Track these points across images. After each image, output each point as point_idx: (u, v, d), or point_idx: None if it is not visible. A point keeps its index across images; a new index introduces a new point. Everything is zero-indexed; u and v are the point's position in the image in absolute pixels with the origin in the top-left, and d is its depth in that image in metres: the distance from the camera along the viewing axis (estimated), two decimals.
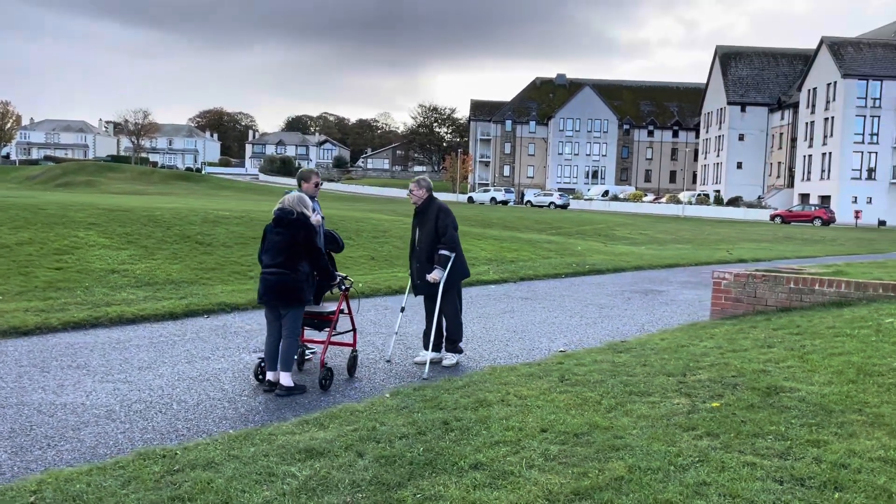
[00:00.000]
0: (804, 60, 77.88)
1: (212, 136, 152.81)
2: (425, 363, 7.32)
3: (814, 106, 67.62)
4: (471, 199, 72.59)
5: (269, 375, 6.34)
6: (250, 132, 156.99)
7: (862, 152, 63.20)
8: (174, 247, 12.79)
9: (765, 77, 79.89)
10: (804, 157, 68.79)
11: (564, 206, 65.34)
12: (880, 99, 63.17)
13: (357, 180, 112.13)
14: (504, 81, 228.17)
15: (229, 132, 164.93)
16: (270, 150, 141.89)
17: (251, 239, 14.18)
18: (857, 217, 55.52)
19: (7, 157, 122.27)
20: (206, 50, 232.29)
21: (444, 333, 7.23)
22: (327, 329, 6.77)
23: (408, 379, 6.80)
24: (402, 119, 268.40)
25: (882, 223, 58.55)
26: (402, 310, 7.67)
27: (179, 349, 7.75)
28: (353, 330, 6.97)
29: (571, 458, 4.24)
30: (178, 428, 5.33)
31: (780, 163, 76.40)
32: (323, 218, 7.58)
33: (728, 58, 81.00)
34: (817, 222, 52.86)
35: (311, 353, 7.58)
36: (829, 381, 5.07)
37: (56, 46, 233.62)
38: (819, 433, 4.23)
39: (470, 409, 5.26)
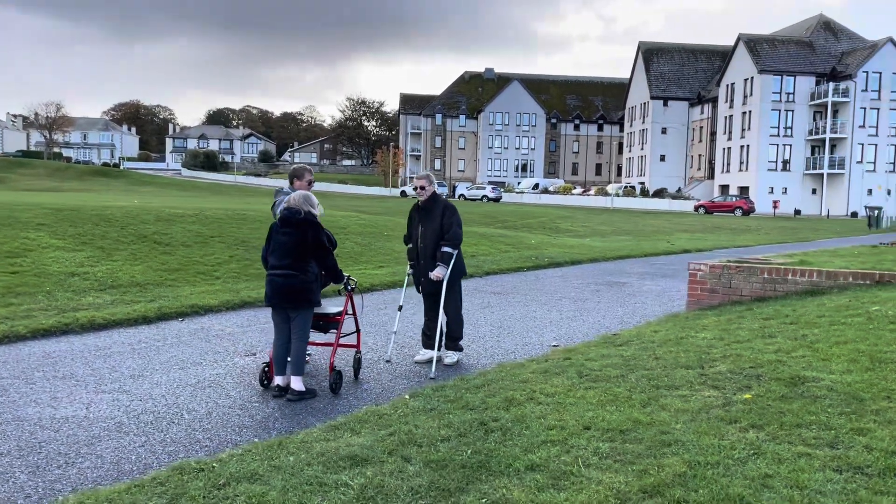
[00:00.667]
0: (722, 57, 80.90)
1: (129, 129, 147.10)
2: (426, 362, 7.26)
3: (732, 100, 70.34)
4: (403, 194, 72.41)
5: (279, 380, 6.15)
6: (170, 126, 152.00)
7: (777, 145, 66.17)
8: (132, 247, 12.24)
9: (685, 72, 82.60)
10: (723, 149, 71.51)
11: (497, 200, 65.96)
12: (794, 94, 66.25)
13: (285, 174, 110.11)
14: (433, 75, 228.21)
15: (147, 126, 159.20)
16: (192, 144, 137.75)
17: (210, 238, 13.75)
18: (775, 207, 58.15)
19: None
20: (119, 40, 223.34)
21: (445, 331, 7.17)
22: (333, 331, 6.62)
23: (415, 379, 6.72)
24: (328, 112, 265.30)
25: (797, 212, 61.55)
26: (400, 308, 7.58)
27: (166, 355, 7.43)
28: (357, 331, 6.84)
29: (625, 455, 4.27)
30: (198, 439, 5.12)
31: (700, 155, 79.22)
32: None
33: (650, 53, 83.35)
34: (738, 212, 55.07)
35: (308, 354, 7.39)
36: (846, 369, 5.28)
37: None
38: (859, 421, 4.39)
39: (502, 409, 5.23)
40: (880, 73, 64.18)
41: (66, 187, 64.94)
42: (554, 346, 8.08)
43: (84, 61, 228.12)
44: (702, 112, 78.80)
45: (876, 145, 64.55)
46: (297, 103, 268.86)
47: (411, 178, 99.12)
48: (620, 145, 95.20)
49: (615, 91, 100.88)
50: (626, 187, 73.81)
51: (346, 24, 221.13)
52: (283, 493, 4.00)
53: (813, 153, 66.40)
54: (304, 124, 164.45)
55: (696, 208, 57.54)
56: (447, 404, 5.47)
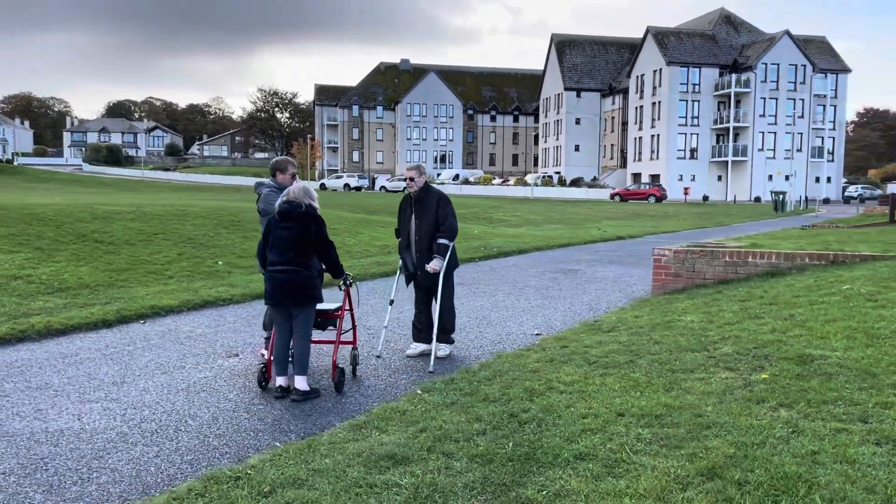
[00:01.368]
0: (631, 49, 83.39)
1: (22, 123, 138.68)
2: (418, 356, 7.17)
3: (642, 91, 72.66)
4: (323, 186, 71.39)
5: (281, 381, 5.93)
6: (67, 119, 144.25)
7: (686, 134, 68.84)
8: (73, 247, 11.52)
9: (596, 64, 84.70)
10: (635, 139, 73.84)
11: None
12: (699, 84, 69.02)
13: (196, 169, 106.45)
14: (347, 66, 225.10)
15: (41, 119, 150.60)
16: (93, 137, 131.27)
17: (153, 235, 13.12)
18: (685, 193, 60.49)
19: None
20: (5, 28, 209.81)
21: (438, 324, 7.08)
22: (331, 328, 6.42)
23: (414, 374, 6.62)
24: (237, 104, 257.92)
25: (705, 198, 64.25)
26: (391, 303, 7.44)
27: (142, 359, 7.04)
28: (354, 327, 6.67)
29: (668, 440, 4.32)
30: (214, 445, 4.87)
31: (612, 145, 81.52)
32: None
33: (563, 46, 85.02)
34: (651, 199, 57.02)
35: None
36: (847, 346, 5.53)
37: None
38: (880, 395, 4.60)
39: (526, 400, 5.21)
40: (778, 64, 67.64)
41: None
42: (537, 334, 8.12)
43: None
44: (613, 103, 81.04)
45: (775, 133, 68.07)
46: (203, 95, 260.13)
47: (330, 170, 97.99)
48: (536, 136, 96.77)
49: (529, 82, 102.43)
50: (544, 177, 75.15)
51: (252, 12, 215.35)
52: (335, 497, 3.87)
53: (718, 141, 69.42)
54: (212, 116, 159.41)
55: (612, 196, 59.20)
56: (466, 398, 5.41)
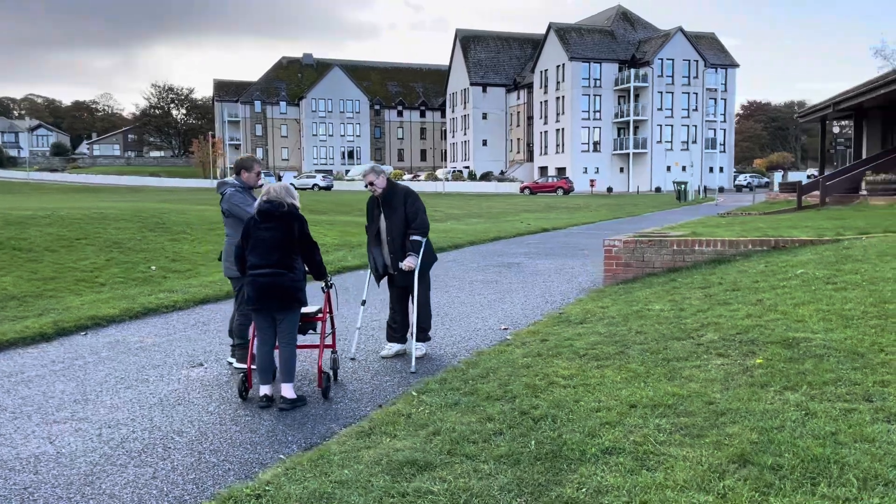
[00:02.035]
0: (533, 44, 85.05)
1: None
2: (393, 356, 7.00)
3: (546, 86, 74.26)
4: None
5: (265, 389, 5.63)
6: None
7: (589, 127, 70.88)
8: None
9: (501, 59, 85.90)
10: (541, 133, 75.41)
11: (328, 188, 65.06)
12: (600, 79, 71.19)
13: (86, 169, 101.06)
14: (247, 61, 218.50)
15: None
16: None
17: (75, 241, 12.27)
18: (592, 186, 62.31)
19: None
20: None
21: (415, 323, 6.93)
22: (311, 332, 6.17)
23: (396, 375, 6.45)
24: (128, 100, 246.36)
25: (610, 190, 66.38)
26: (363, 303, 7.22)
27: (97, 374, 6.56)
28: (333, 331, 6.42)
29: (689, 429, 4.36)
30: (214, 462, 4.56)
31: (519, 139, 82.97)
32: None
33: (468, 41, 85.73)
34: (560, 192, 58.42)
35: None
36: (826, 328, 5.77)
37: None
38: (875, 375, 4.80)
39: (531, 396, 5.15)
40: (673, 59, 70.61)
41: None
42: (504, 328, 8.10)
43: None
44: (518, 98, 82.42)
45: (672, 126, 71.08)
46: (89, 91, 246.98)
47: (233, 167, 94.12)
48: (443, 131, 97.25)
49: (435, 77, 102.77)
50: (454, 171, 75.63)
51: (142, 4, 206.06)
52: None
53: (619, 134, 71.84)
54: (101, 114, 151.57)
55: (522, 189, 60.26)
56: (467, 397, 5.30)
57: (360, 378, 6.37)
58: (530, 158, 79.10)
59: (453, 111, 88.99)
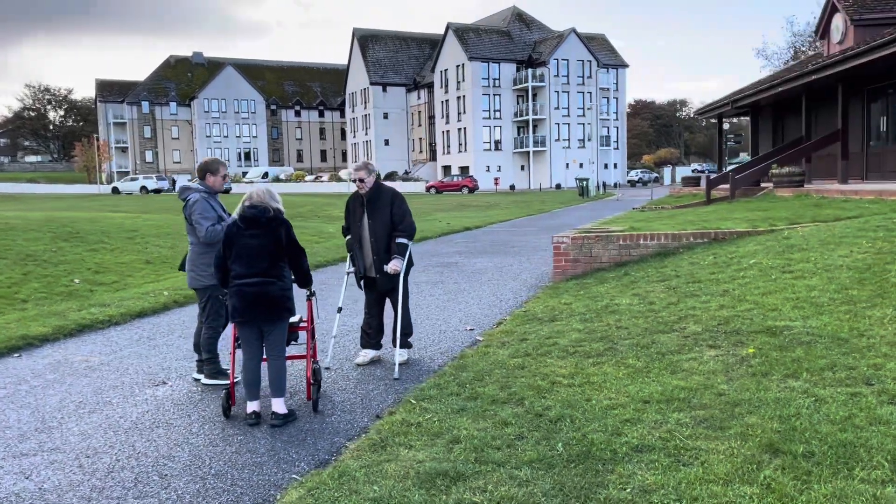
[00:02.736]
0: (431, 44, 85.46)
1: None
2: (368, 363, 6.79)
3: (447, 86, 74.76)
4: (116, 190, 65.91)
5: (254, 406, 5.31)
6: None
7: (490, 126, 71.91)
8: None
9: (400, 59, 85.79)
10: (443, 132, 75.86)
11: (227, 191, 62.94)
12: (499, 79, 72.35)
13: None
14: (131, 60, 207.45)
15: None
16: None
17: None
18: (496, 184, 63.24)
19: None
20: None
21: (399, 329, 6.72)
22: (294, 342, 5.86)
23: (380, 383, 6.23)
24: None
25: (512, 187, 67.62)
26: (339, 310, 6.95)
27: (51, 399, 6.01)
28: (315, 341, 6.13)
29: (708, 421, 4.42)
30: (223, 487, 4.25)
31: (421, 138, 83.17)
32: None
33: (366, 40, 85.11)
34: (465, 190, 59.00)
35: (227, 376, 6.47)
36: (802, 316, 6.00)
37: None
38: (866, 359, 5.03)
39: (538, 398, 5.09)
40: (568, 60, 72.65)
41: None
42: (470, 329, 8.02)
43: None
44: (419, 97, 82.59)
45: (569, 124, 73.11)
46: None
47: (121, 172, 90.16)
48: (343, 131, 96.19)
49: (332, 77, 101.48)
50: None
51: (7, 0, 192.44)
52: None
53: (519, 133, 73.26)
54: None
55: (428, 189, 60.43)
56: (472, 402, 5.18)
57: (343, 388, 6.13)
58: (433, 158, 79.43)
59: (353, 111, 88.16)
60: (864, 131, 18.93)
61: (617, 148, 76.65)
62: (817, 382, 4.78)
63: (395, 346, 6.76)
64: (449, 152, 74.77)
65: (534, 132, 71.91)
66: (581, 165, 71.53)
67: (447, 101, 74.59)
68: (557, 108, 72.44)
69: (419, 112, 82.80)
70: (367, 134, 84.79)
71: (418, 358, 6.94)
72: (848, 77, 17.40)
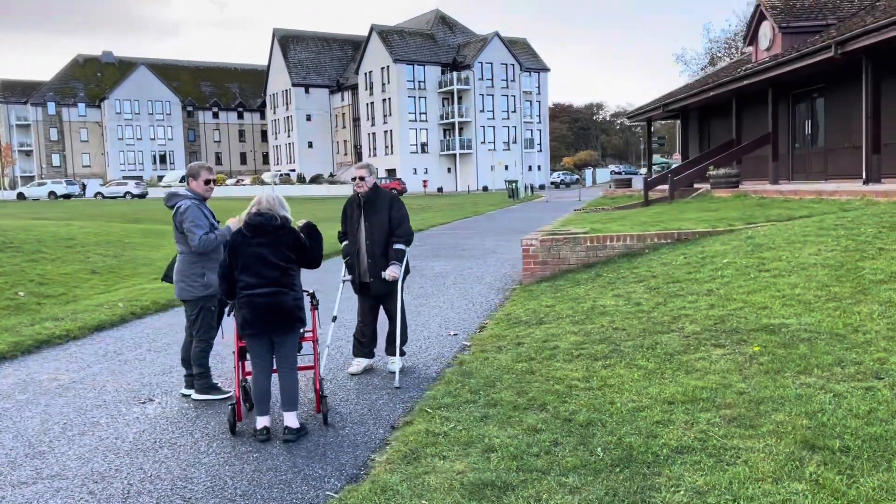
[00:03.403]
0: (354, 46, 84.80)
1: None
2: (362, 372, 6.63)
3: (371, 88, 74.33)
4: (21, 196, 62.55)
5: (264, 421, 5.08)
6: None
7: (416, 129, 71.92)
8: None
9: (322, 60, 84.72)
10: (368, 134, 75.36)
11: (143, 196, 60.83)
12: (425, 82, 72.47)
13: None
14: (33, 58, 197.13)
15: None
16: None
17: None
18: (424, 186, 63.28)
19: None
20: None
21: (398, 336, 6.58)
22: (298, 353, 5.64)
23: (381, 392, 6.09)
24: None
25: (440, 190, 67.80)
26: (334, 319, 6.74)
27: (31, 422, 5.60)
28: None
29: (738, 420, 4.49)
30: None
31: (346, 141, 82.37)
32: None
33: (286, 41, 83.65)
34: (394, 192, 58.72)
35: (218, 390, 6.19)
36: (795, 313, 6.20)
37: None
38: (868, 353, 5.23)
39: (559, 402, 5.07)
40: (492, 63, 73.45)
41: None
42: (454, 334, 7.95)
43: None
44: (343, 99, 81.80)
45: (494, 127, 73.92)
46: None
47: (25, 177, 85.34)
48: (264, 133, 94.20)
49: (251, 78, 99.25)
50: (282, 175, 73.55)
51: None
52: None
53: (445, 136, 73.57)
54: None
55: None
56: (492, 409, 5.12)
57: (345, 399, 5.95)
58: (359, 160, 78.74)
59: (275, 112, 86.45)
60: (789, 134, 19.88)
61: (540, 150, 77.99)
62: (830, 378, 4.94)
63: (392, 354, 6.63)
64: (375, 154, 74.34)
65: (460, 135, 72.34)
66: (506, 168, 72.46)
67: (372, 103, 74.16)
68: (482, 110, 73.09)
69: (343, 114, 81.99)
70: (289, 136, 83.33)
71: (411, 365, 6.82)
72: (778, 83, 18.24)
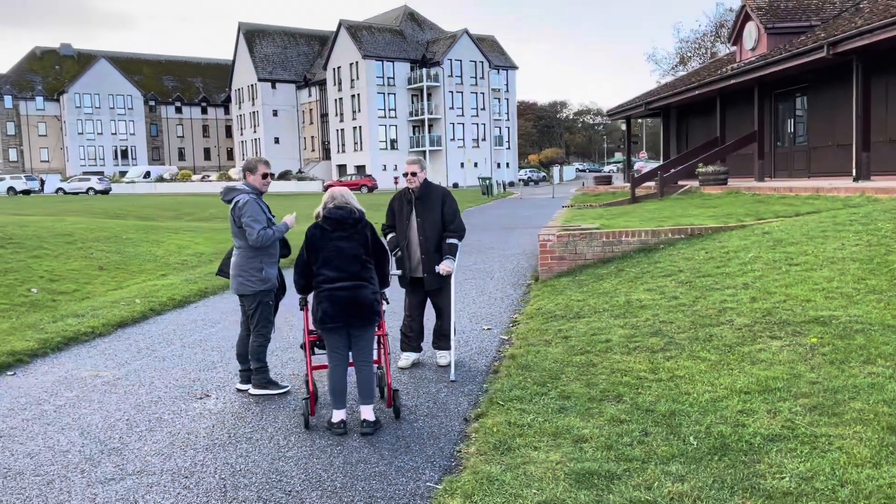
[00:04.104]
0: (321, 41, 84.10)
1: None
2: (410, 366, 6.66)
3: (340, 83, 73.80)
4: None
5: (340, 415, 5.07)
6: None
7: (385, 125, 71.64)
8: None
9: (289, 55, 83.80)
10: (337, 130, 74.84)
11: (106, 192, 59.52)
12: (394, 78, 72.19)
13: None
14: None
15: None
16: None
17: None
18: (395, 183, 63.03)
19: None
20: None
21: (452, 329, 6.63)
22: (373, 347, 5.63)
23: (439, 384, 6.12)
24: None
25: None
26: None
27: (91, 418, 5.50)
28: (380, 345, 5.92)
29: (819, 409, 4.61)
30: (364, 502, 4.04)
31: (313, 137, 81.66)
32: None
33: (252, 35, 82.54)
34: (364, 189, 58.50)
35: (279, 386, 6.15)
36: (840, 306, 6.37)
37: None
38: None
39: (633, 394, 5.15)
40: (461, 60, 73.51)
41: None
42: (488, 328, 8.01)
43: None
44: (310, 95, 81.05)
45: (463, 124, 74.01)
46: None
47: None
48: (228, 128, 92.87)
49: (215, 72, 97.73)
50: None
51: None
52: None
53: (415, 132, 73.41)
54: None
55: (326, 188, 59.42)
56: (567, 401, 5.18)
57: (405, 392, 5.96)
58: (327, 157, 78.21)
59: (240, 108, 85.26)
60: (772, 133, 20.36)
61: (509, 148, 78.35)
62: (895, 366, 5.11)
63: (442, 348, 6.69)
64: (344, 151, 73.88)
65: (429, 132, 72.27)
66: (476, 165, 72.67)
67: (341, 98, 73.66)
68: (452, 107, 73.11)
69: (311, 110, 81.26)
70: (255, 132, 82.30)
71: (458, 360, 6.86)
72: (762, 82, 18.66)
